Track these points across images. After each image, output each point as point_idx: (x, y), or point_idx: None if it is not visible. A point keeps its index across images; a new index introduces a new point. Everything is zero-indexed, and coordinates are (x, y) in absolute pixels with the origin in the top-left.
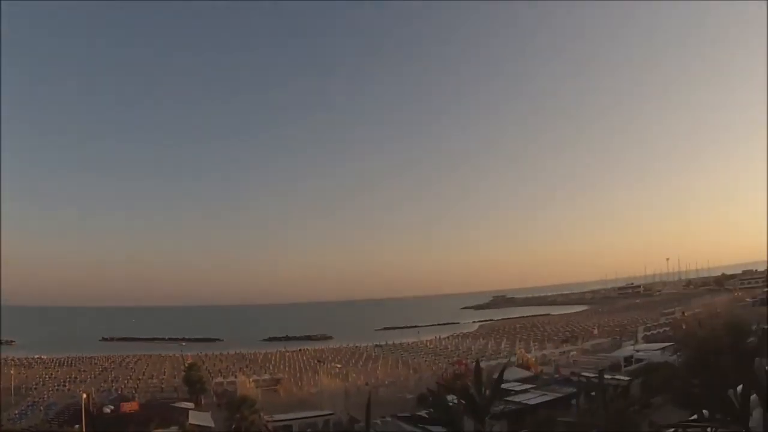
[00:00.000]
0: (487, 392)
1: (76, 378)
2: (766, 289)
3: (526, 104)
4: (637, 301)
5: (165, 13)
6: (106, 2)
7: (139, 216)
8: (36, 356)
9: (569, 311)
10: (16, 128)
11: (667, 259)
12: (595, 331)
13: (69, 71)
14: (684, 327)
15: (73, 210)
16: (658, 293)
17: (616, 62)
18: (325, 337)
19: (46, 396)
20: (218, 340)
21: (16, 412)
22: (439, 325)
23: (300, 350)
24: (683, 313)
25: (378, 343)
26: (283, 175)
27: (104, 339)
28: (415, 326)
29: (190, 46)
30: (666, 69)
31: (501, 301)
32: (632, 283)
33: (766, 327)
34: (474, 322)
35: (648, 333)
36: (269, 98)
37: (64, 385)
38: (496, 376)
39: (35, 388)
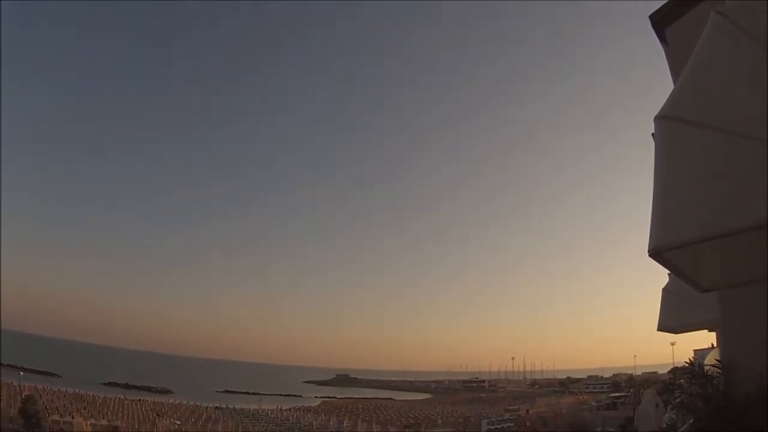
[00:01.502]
0: None
1: None
2: (611, 395)
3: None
4: (482, 395)
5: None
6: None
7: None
8: None
9: (413, 398)
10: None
11: (513, 358)
12: (440, 421)
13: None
14: (528, 424)
15: None
16: (502, 389)
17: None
18: (166, 391)
19: None
20: (58, 375)
21: None
22: (281, 395)
23: (140, 400)
24: (527, 410)
25: (219, 405)
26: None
27: None
28: (258, 393)
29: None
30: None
31: (344, 379)
32: (477, 377)
33: (611, 431)
34: (317, 397)
35: (492, 427)
36: None
37: None
38: None
39: None
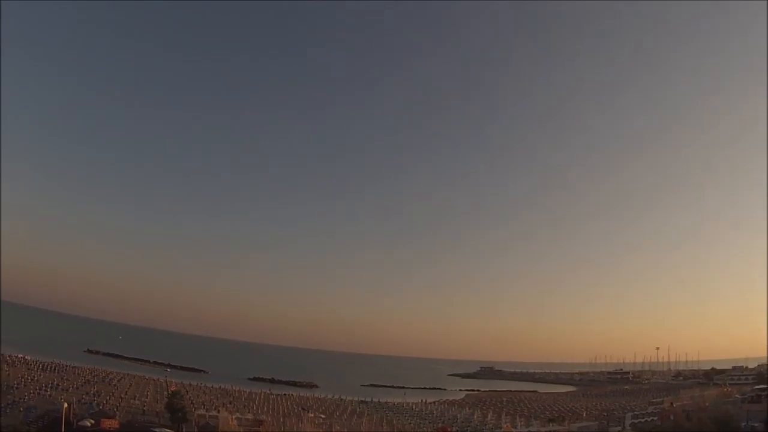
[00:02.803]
0: None
1: (58, 385)
2: (756, 387)
3: (531, 185)
4: (626, 387)
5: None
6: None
7: (149, 234)
8: (20, 355)
9: (557, 390)
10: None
11: (657, 348)
12: (584, 414)
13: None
14: (672, 418)
15: (81, 215)
16: (646, 381)
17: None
18: (311, 385)
19: (26, 398)
20: (203, 371)
21: None
22: (425, 389)
23: (285, 395)
24: (671, 403)
25: (363, 399)
26: (296, 222)
27: (89, 351)
28: (402, 387)
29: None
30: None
31: (488, 372)
32: (621, 369)
33: (756, 425)
34: (460, 390)
35: (635, 421)
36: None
37: (46, 390)
38: None
39: (16, 388)
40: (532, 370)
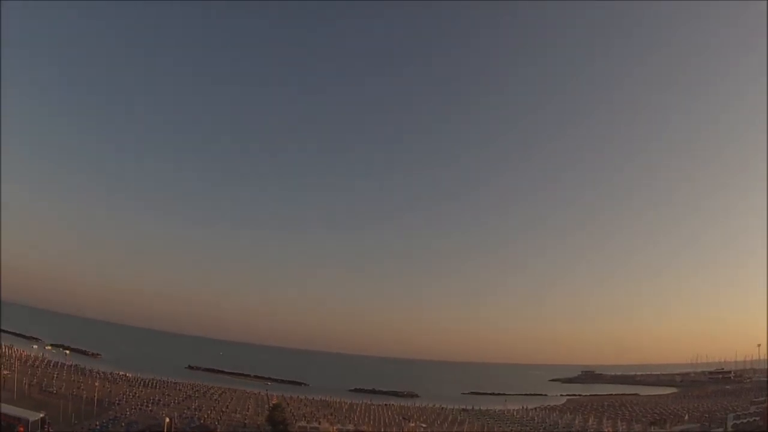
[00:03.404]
0: None
1: (159, 400)
2: None
3: (619, 183)
4: (727, 387)
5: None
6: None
7: (250, 254)
8: (121, 372)
9: (658, 392)
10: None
11: (759, 345)
12: (686, 416)
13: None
14: None
15: (173, 233)
16: (748, 380)
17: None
18: (412, 395)
19: (128, 413)
20: (304, 384)
21: (97, 423)
22: (527, 395)
23: (385, 405)
24: None
25: (464, 407)
26: (401, 233)
27: (190, 367)
28: (503, 394)
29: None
30: None
31: (589, 376)
32: (722, 368)
33: None
34: (561, 395)
35: (737, 422)
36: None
37: (147, 406)
38: None
39: (118, 404)
40: (632, 373)
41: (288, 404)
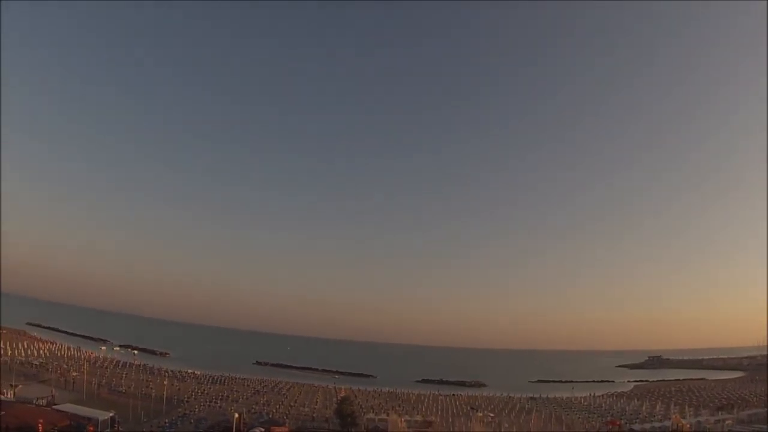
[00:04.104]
0: None
1: (228, 396)
2: None
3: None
4: None
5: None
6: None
7: (323, 253)
8: (189, 371)
9: (725, 377)
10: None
11: None
12: (754, 400)
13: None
14: None
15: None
16: None
17: None
18: (479, 384)
19: (197, 410)
20: (372, 376)
21: (167, 421)
22: (593, 382)
23: (453, 395)
24: None
25: (532, 396)
26: (462, 227)
27: (258, 362)
28: (570, 381)
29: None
30: None
31: (656, 361)
32: None
33: None
34: (628, 381)
35: None
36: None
37: (216, 402)
38: None
39: (187, 401)
40: (699, 357)
41: (356, 397)
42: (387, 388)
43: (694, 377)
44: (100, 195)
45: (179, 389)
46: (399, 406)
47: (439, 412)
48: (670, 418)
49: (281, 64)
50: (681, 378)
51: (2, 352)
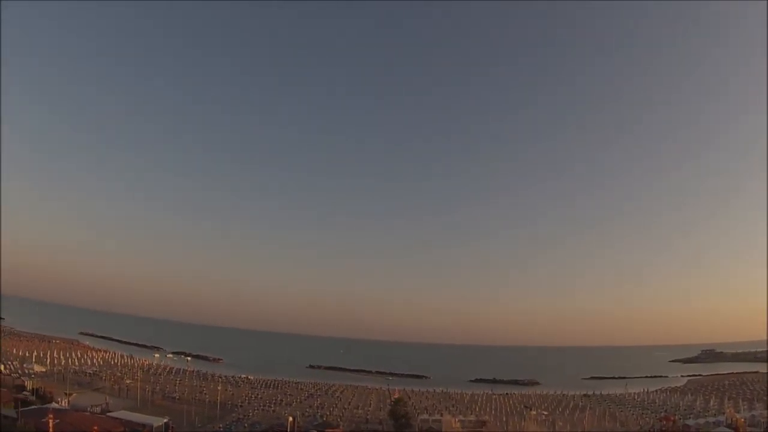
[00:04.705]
0: None
1: (281, 401)
2: None
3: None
4: None
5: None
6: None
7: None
8: (243, 376)
9: None
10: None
11: None
12: None
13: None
14: None
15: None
16: None
17: None
18: (533, 383)
19: (251, 414)
20: (425, 377)
21: (221, 425)
22: (646, 377)
23: (507, 394)
24: None
25: (585, 393)
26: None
27: (311, 366)
28: (624, 377)
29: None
30: None
31: (710, 355)
32: None
33: None
34: (682, 376)
35: None
36: None
37: (270, 406)
38: None
39: (241, 406)
40: (753, 349)
41: (409, 398)
42: (440, 389)
43: (747, 371)
44: (134, 204)
45: (233, 394)
46: (453, 407)
47: (493, 412)
48: (724, 413)
49: (282, 64)
50: (735, 372)
51: (56, 361)
